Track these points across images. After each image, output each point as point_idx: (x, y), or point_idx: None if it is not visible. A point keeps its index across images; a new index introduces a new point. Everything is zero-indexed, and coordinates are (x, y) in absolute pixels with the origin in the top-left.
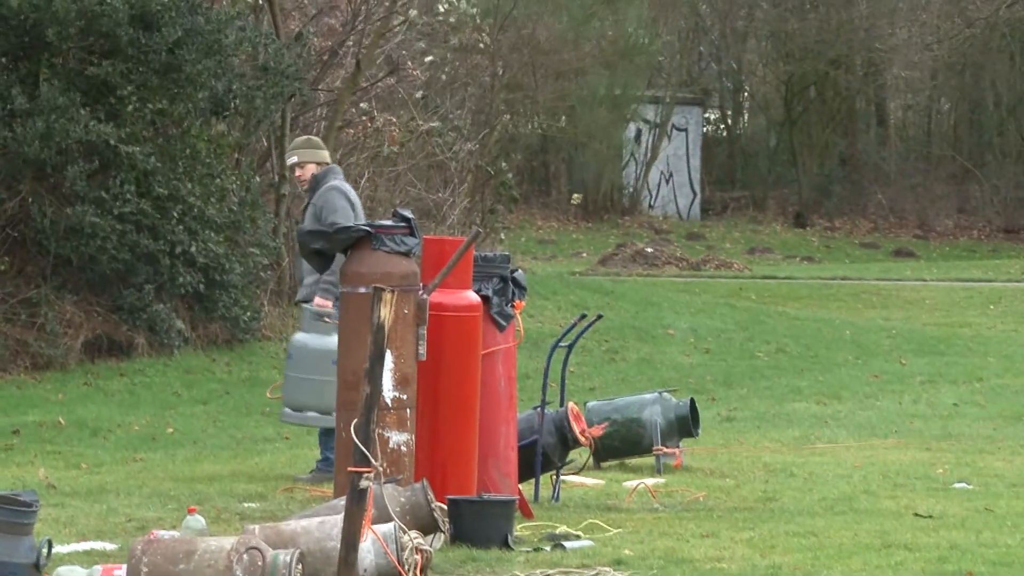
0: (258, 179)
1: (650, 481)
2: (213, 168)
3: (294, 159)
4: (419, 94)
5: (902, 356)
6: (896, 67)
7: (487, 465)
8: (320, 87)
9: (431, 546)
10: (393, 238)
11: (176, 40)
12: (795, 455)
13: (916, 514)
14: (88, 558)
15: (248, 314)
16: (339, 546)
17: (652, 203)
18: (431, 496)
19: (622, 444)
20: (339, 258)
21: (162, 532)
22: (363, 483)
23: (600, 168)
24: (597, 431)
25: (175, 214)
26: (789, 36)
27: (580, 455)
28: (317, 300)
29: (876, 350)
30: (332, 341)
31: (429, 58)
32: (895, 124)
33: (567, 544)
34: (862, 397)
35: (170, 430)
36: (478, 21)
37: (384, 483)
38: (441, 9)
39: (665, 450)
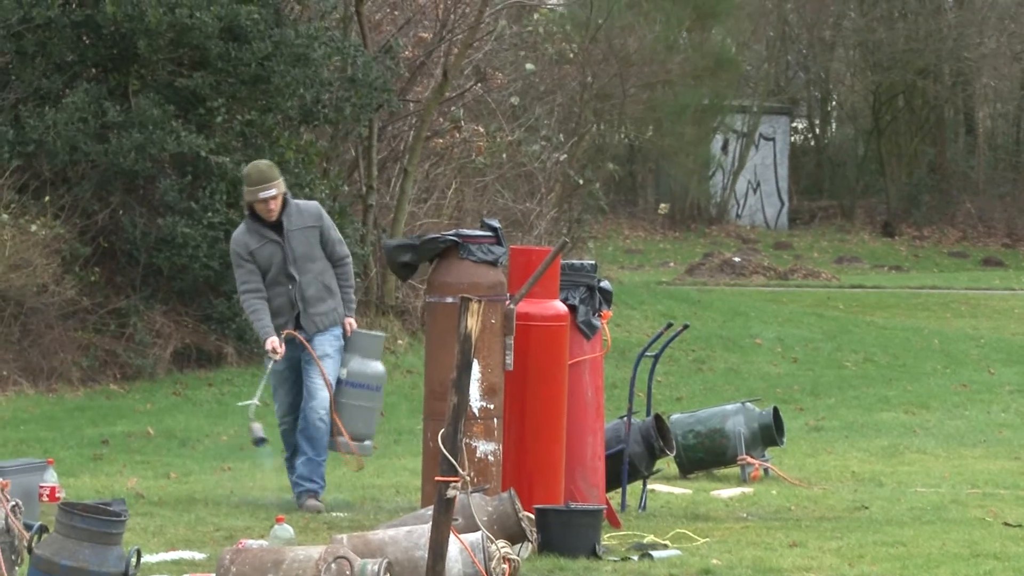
0: (346, 188)
1: (737, 491)
2: (301, 178)
3: (273, 191)
4: (514, 100)
5: (991, 365)
6: (985, 76)
7: (574, 475)
8: (408, 97)
9: (518, 555)
10: (480, 247)
11: (266, 54)
12: (883, 464)
13: (1005, 523)
14: (177, 568)
15: None
16: (426, 555)
17: (739, 212)
18: (518, 505)
19: (707, 455)
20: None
21: (250, 541)
22: (450, 492)
23: (687, 178)
24: None
25: None
26: (877, 45)
27: (668, 464)
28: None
29: (964, 360)
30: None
31: (530, 66)
32: (984, 133)
33: (655, 554)
34: (950, 407)
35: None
36: (568, 31)
37: (471, 493)
38: (535, 18)
39: (750, 460)
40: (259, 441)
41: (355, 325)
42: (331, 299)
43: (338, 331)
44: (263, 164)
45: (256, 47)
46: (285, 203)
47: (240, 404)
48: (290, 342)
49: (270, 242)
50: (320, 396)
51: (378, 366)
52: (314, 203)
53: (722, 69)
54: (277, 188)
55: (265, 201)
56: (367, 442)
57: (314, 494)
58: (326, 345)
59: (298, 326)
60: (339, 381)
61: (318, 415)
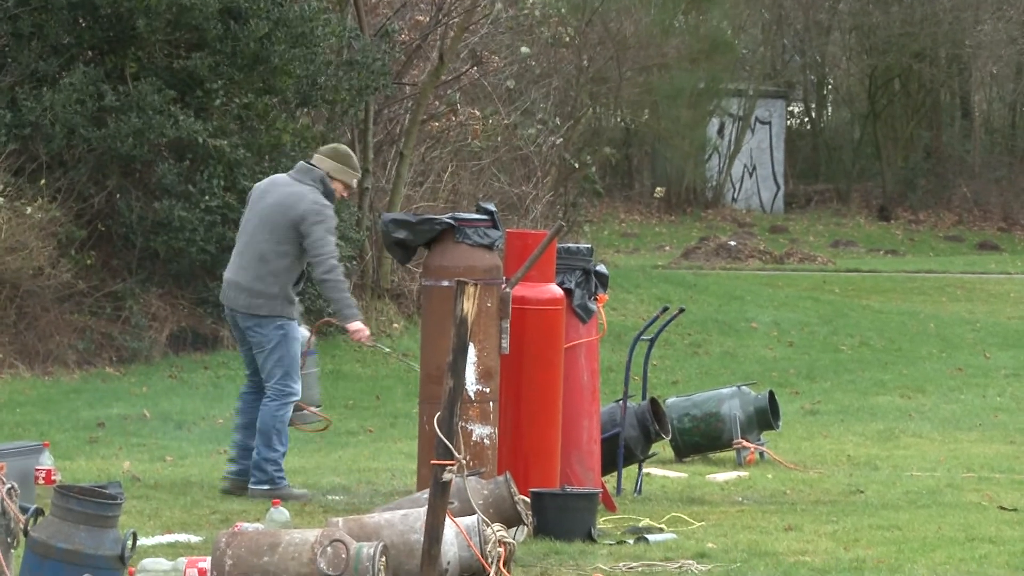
0: None
1: (732, 475)
2: (298, 161)
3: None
4: (510, 83)
5: (986, 349)
6: (981, 60)
7: (570, 458)
8: (404, 81)
9: (514, 539)
10: (476, 231)
11: (265, 32)
12: (879, 448)
13: (1001, 507)
14: (173, 550)
15: (332, 307)
16: (422, 539)
17: (735, 196)
18: (514, 489)
19: (702, 439)
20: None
21: (246, 524)
22: (446, 476)
23: (683, 161)
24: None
25: None
26: (873, 29)
27: (663, 448)
28: (354, 328)
29: (960, 343)
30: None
31: (525, 49)
32: (980, 117)
33: (650, 537)
34: (946, 391)
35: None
36: (564, 14)
37: (467, 476)
38: (528, 3)
39: (745, 443)
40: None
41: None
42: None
43: None
44: (343, 148)
45: (255, 25)
46: None
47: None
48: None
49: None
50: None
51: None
52: None
53: (718, 52)
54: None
55: (351, 187)
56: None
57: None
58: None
59: None
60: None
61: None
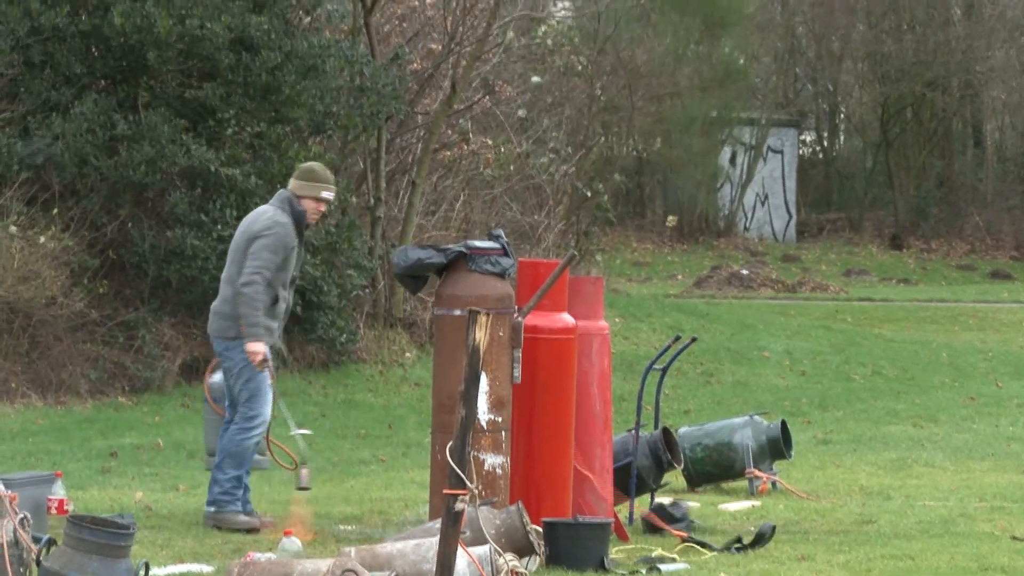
0: (355, 200)
1: (745, 504)
2: None
3: (332, 194)
4: (521, 112)
5: (999, 379)
6: (993, 89)
7: (582, 487)
8: (416, 110)
9: (526, 569)
10: (488, 259)
11: (276, 64)
12: (891, 478)
13: (1013, 537)
14: None
15: (344, 336)
16: (434, 568)
17: (747, 225)
18: (526, 519)
19: (715, 468)
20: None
21: (259, 554)
22: (458, 505)
23: (695, 190)
24: None
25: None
26: (885, 58)
27: (676, 478)
28: (251, 348)
29: (973, 372)
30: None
31: (536, 79)
32: (992, 145)
33: (663, 567)
34: (959, 420)
35: (266, 454)
36: (576, 43)
37: (479, 506)
38: (540, 31)
39: (758, 473)
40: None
41: (256, 350)
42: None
43: None
44: (317, 165)
45: (266, 57)
46: None
47: (293, 434)
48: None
49: (301, 244)
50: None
51: None
52: None
53: (730, 80)
54: (334, 192)
55: (324, 202)
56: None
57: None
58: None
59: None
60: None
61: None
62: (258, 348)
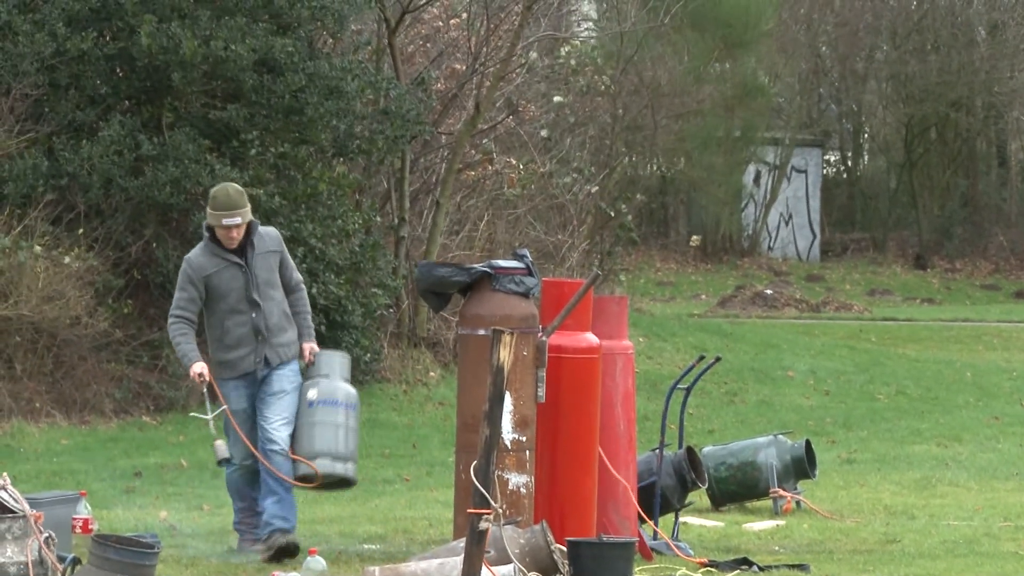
0: (379, 220)
1: (769, 524)
2: (334, 210)
3: (238, 220)
4: (544, 132)
5: (1023, 398)
6: (1017, 109)
7: (606, 507)
8: (440, 130)
9: None
10: (512, 278)
11: (300, 86)
12: (916, 497)
13: None
14: None
15: (368, 355)
16: None
17: (771, 245)
18: (551, 538)
19: (739, 488)
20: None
21: (283, 574)
22: (483, 525)
23: (719, 210)
24: None
25: (297, 255)
26: (909, 78)
27: (700, 497)
28: (192, 371)
29: (997, 392)
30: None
31: (559, 98)
32: (1016, 165)
33: None
34: (983, 439)
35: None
36: (599, 63)
37: (503, 525)
38: (563, 52)
39: (782, 492)
40: (223, 461)
41: (316, 348)
42: (292, 329)
43: (296, 366)
44: (232, 188)
45: (290, 79)
46: (251, 228)
47: (206, 417)
48: (251, 376)
49: (231, 265)
50: (280, 436)
51: (347, 385)
52: (273, 229)
53: (751, 97)
54: (243, 217)
55: (228, 228)
56: (349, 463)
57: (286, 531)
58: (284, 381)
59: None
60: (309, 403)
61: (279, 454)
62: (193, 370)
